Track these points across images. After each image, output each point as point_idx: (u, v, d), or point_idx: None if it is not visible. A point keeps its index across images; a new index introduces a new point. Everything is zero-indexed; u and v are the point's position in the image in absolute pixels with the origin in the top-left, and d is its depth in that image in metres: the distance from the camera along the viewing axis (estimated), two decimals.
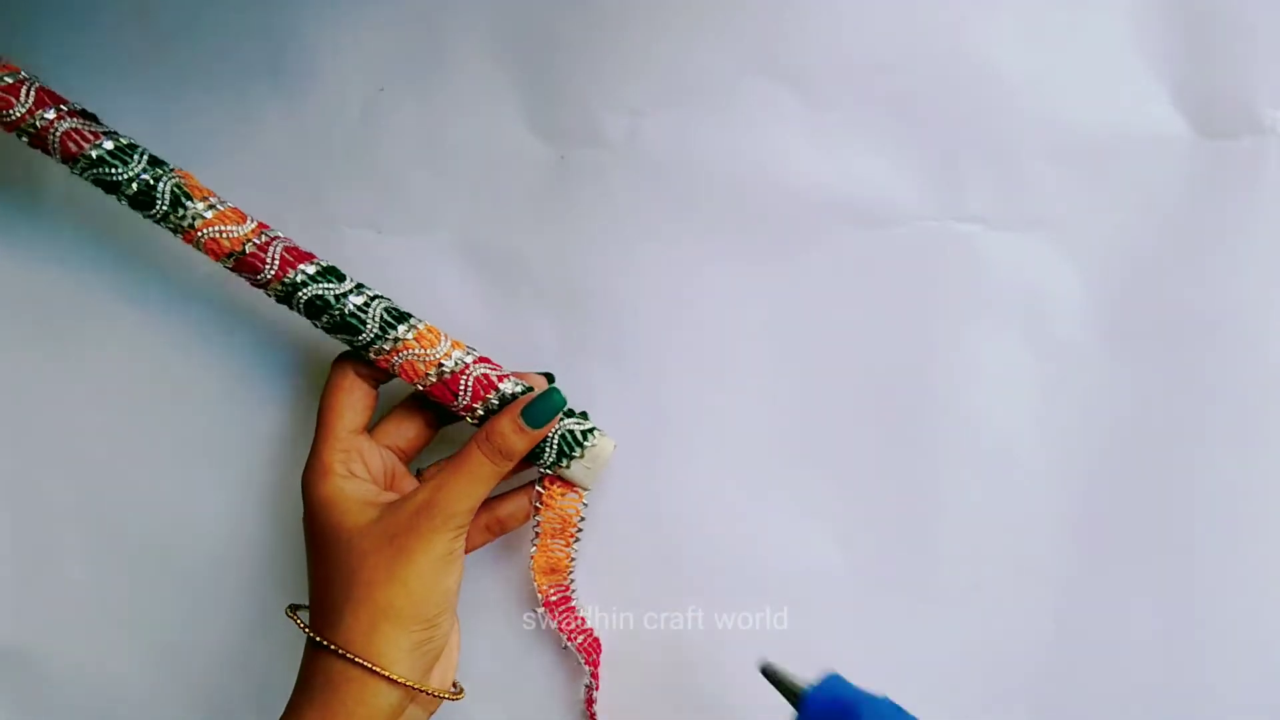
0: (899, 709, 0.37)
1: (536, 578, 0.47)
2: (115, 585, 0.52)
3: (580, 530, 0.47)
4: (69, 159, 0.42)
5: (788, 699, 0.39)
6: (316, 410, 0.45)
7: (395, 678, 0.41)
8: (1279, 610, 0.48)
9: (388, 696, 0.41)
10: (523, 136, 0.50)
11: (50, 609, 0.52)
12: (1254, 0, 0.46)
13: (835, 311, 0.49)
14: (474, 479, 0.43)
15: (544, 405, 0.44)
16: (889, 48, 0.48)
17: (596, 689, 0.48)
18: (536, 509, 0.46)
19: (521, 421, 0.43)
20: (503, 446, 0.43)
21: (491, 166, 0.50)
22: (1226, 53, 0.46)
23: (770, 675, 0.40)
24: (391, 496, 0.44)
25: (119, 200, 0.43)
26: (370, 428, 0.46)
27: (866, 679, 0.38)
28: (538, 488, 0.46)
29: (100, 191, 0.43)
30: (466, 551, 0.45)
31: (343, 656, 0.40)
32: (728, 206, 0.49)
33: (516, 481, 0.47)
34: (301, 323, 0.45)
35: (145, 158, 0.43)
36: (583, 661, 0.47)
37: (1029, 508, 0.49)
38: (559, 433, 0.45)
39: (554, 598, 0.47)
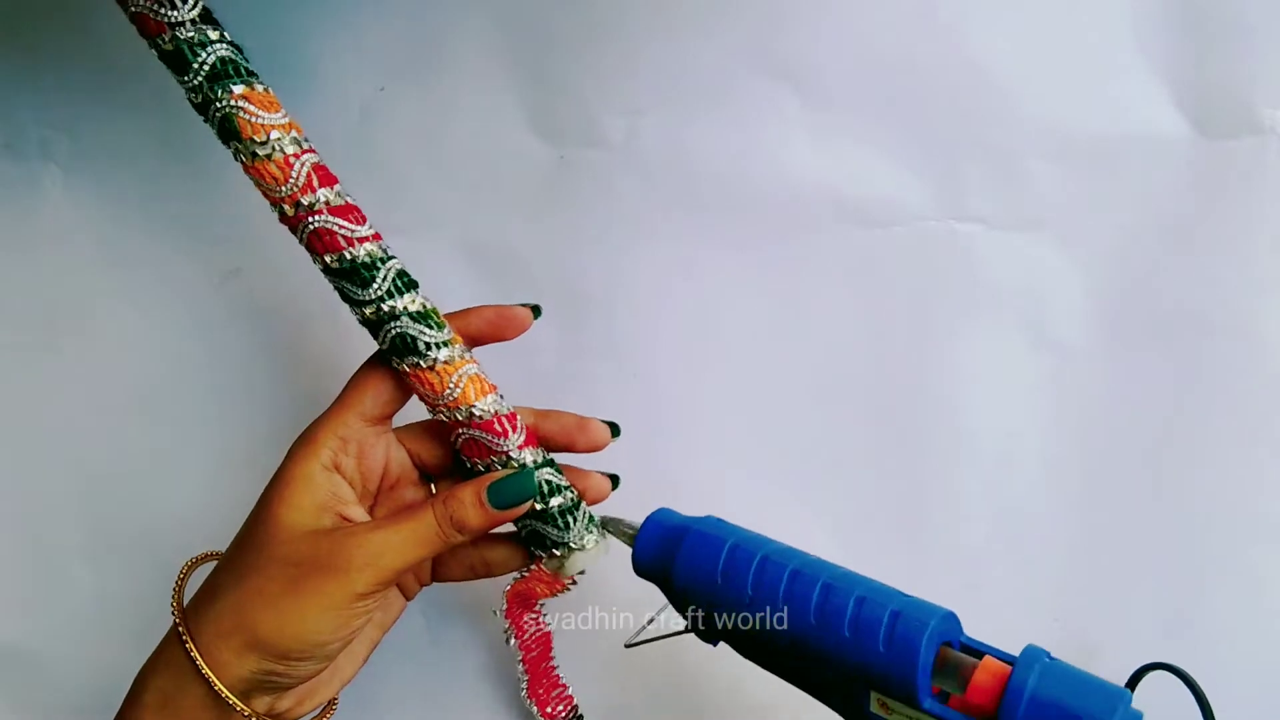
0: (723, 521, 0.40)
1: (508, 596, 0.45)
2: (115, 585, 0.52)
3: (569, 589, 0.45)
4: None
5: (625, 542, 0.42)
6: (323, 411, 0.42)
7: (219, 689, 0.37)
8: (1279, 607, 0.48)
9: (203, 700, 0.37)
10: (523, 136, 0.50)
11: (50, 609, 0.52)
12: (1254, 0, 0.46)
13: (835, 311, 0.49)
14: (415, 539, 0.38)
15: (510, 487, 0.39)
16: (889, 47, 0.48)
17: (527, 683, 0.47)
18: (529, 568, 0.43)
19: (484, 497, 0.39)
20: (456, 515, 0.39)
21: (491, 166, 0.50)
22: (1226, 53, 0.46)
23: (608, 524, 0.42)
24: (356, 515, 0.40)
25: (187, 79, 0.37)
26: (402, 426, 0.43)
27: None
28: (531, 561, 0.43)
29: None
30: (443, 580, 0.43)
31: (184, 644, 0.37)
32: (727, 206, 0.49)
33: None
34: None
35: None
36: (520, 659, 0.46)
37: (1028, 507, 0.49)
38: (528, 528, 0.41)
39: (517, 607, 0.46)
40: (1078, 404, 0.48)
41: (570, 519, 0.42)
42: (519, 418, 0.41)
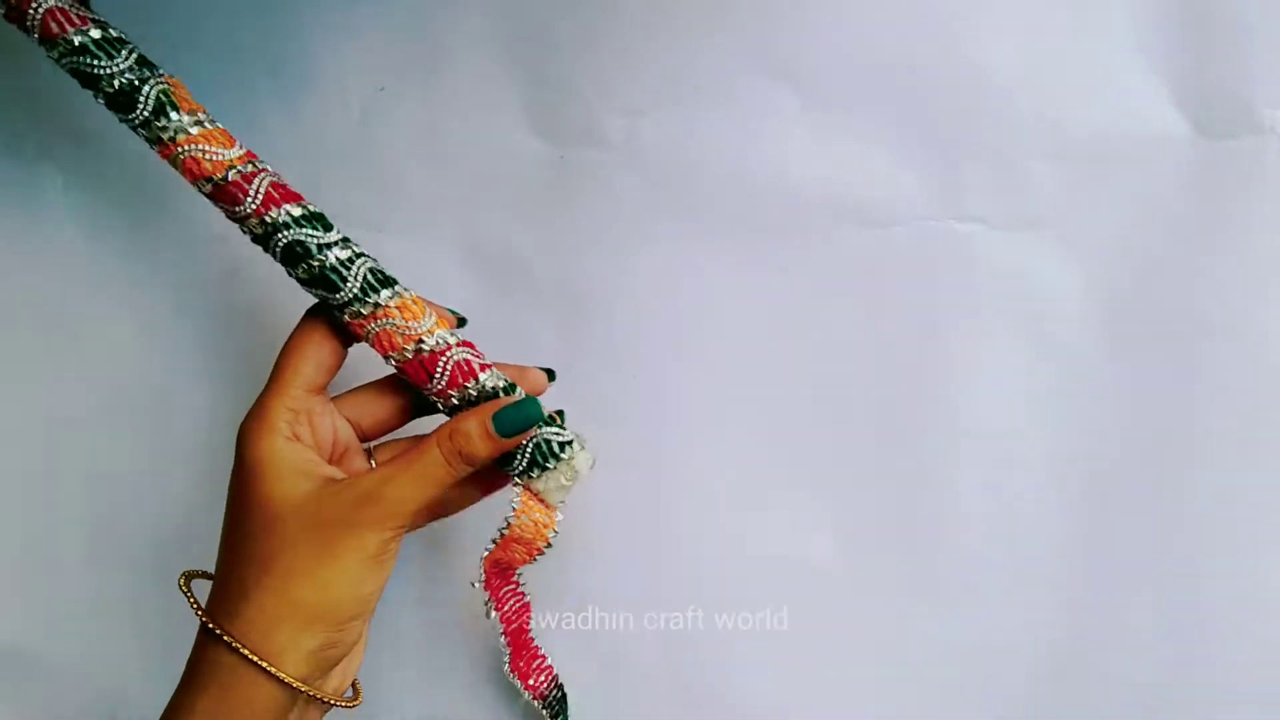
0: None
1: (485, 565, 0.44)
2: (115, 585, 0.52)
3: (545, 551, 0.43)
4: (48, 41, 0.38)
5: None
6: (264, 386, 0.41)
7: (287, 679, 0.37)
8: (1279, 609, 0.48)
9: (277, 697, 0.37)
10: (523, 136, 0.50)
11: (50, 609, 0.52)
12: (1254, 0, 0.46)
13: (835, 311, 0.49)
14: (426, 478, 0.39)
15: (518, 414, 0.40)
16: (889, 47, 0.48)
17: (509, 658, 0.46)
18: (508, 521, 0.42)
19: (491, 426, 0.39)
20: (465, 449, 0.39)
21: (491, 166, 0.50)
22: (1226, 53, 0.46)
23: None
24: (334, 472, 0.40)
25: (96, 98, 0.39)
26: (338, 395, 0.43)
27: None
28: (513, 503, 0.42)
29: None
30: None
31: (236, 651, 0.37)
32: (728, 206, 0.49)
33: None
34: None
35: (134, 56, 0.39)
36: (501, 632, 0.46)
37: (1028, 508, 0.49)
38: (534, 440, 0.41)
39: (496, 579, 0.45)
40: (1078, 404, 0.48)
41: (559, 417, 0.42)
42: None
